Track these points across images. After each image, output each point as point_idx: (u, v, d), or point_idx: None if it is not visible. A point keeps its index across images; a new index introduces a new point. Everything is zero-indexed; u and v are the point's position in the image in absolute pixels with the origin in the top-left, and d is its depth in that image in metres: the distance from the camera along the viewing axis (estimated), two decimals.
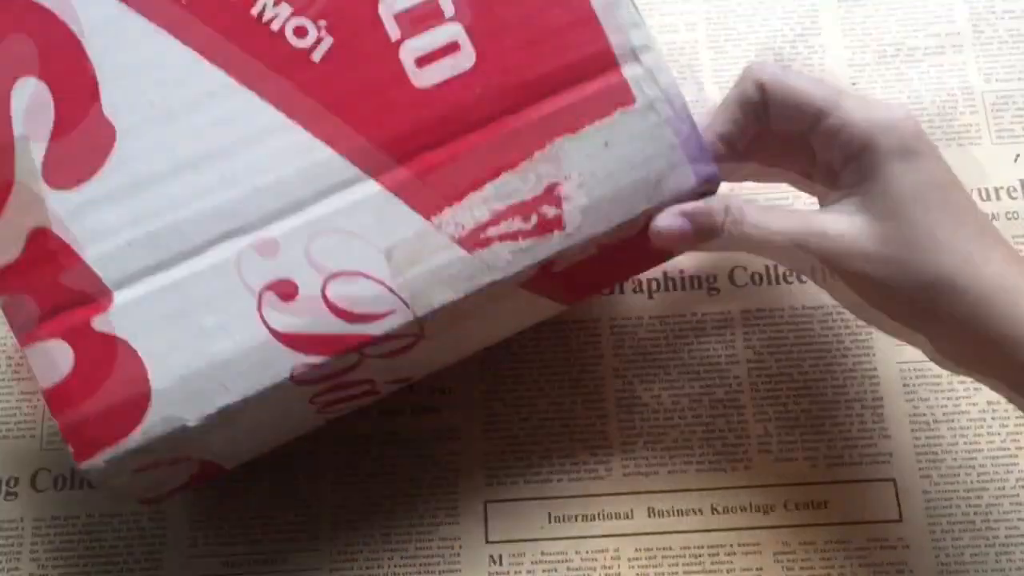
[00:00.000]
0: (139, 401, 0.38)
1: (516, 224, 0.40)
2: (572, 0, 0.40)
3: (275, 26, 0.39)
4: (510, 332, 0.47)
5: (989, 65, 0.56)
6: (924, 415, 0.50)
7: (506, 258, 0.40)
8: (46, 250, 0.39)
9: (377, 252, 0.39)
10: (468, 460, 0.50)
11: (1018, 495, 0.48)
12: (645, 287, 0.53)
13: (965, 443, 0.49)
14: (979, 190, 0.54)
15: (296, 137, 0.39)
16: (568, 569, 0.48)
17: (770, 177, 0.46)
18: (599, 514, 0.49)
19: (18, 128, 0.39)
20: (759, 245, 0.42)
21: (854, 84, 0.56)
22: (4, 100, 0.39)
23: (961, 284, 0.38)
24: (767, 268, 0.53)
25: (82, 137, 0.39)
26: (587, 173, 0.40)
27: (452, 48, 0.40)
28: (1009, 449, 0.49)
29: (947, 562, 0.47)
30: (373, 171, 0.39)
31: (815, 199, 0.45)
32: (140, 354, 0.38)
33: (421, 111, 0.40)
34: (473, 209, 0.39)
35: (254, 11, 0.40)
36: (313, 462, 0.50)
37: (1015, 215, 0.53)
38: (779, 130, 0.42)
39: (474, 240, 0.39)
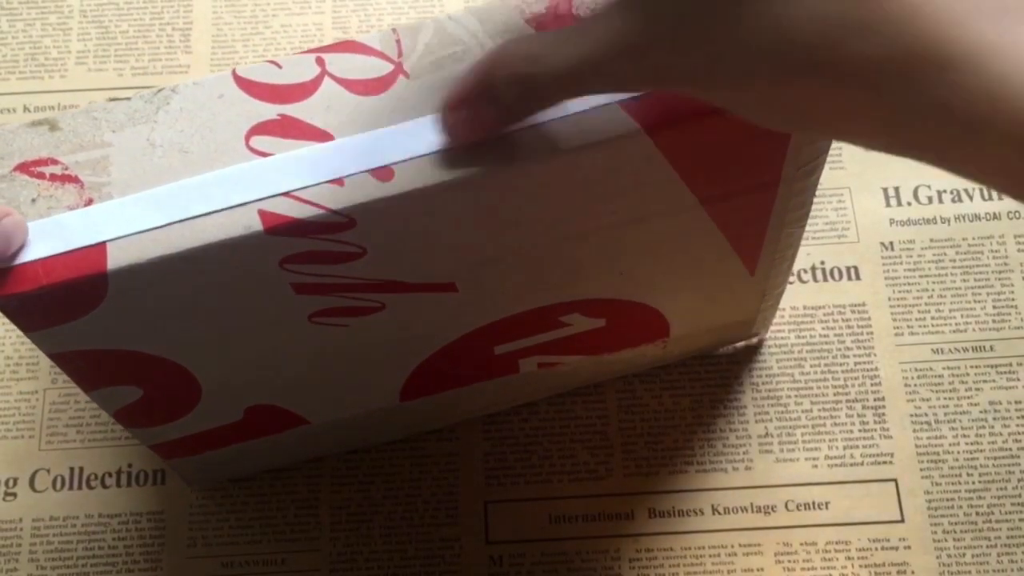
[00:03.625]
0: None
1: None
2: None
3: None
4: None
5: None
6: (926, 415, 0.50)
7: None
8: None
9: None
10: (468, 460, 0.50)
11: (1020, 495, 0.48)
12: None
13: (967, 443, 0.49)
14: (981, 189, 0.54)
15: None
16: (569, 570, 0.48)
17: None
18: (600, 514, 0.49)
19: None
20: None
21: None
22: None
23: None
24: None
25: None
26: None
27: None
28: (1011, 449, 0.49)
29: (949, 563, 0.47)
30: None
31: None
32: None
33: None
34: None
35: None
36: (313, 463, 0.50)
37: (1016, 214, 0.53)
38: None
39: None
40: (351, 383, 0.44)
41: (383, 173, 0.34)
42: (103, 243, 0.33)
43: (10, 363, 0.52)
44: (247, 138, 0.35)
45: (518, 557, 0.48)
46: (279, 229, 0.34)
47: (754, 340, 0.51)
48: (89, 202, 0.34)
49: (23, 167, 0.35)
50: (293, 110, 0.35)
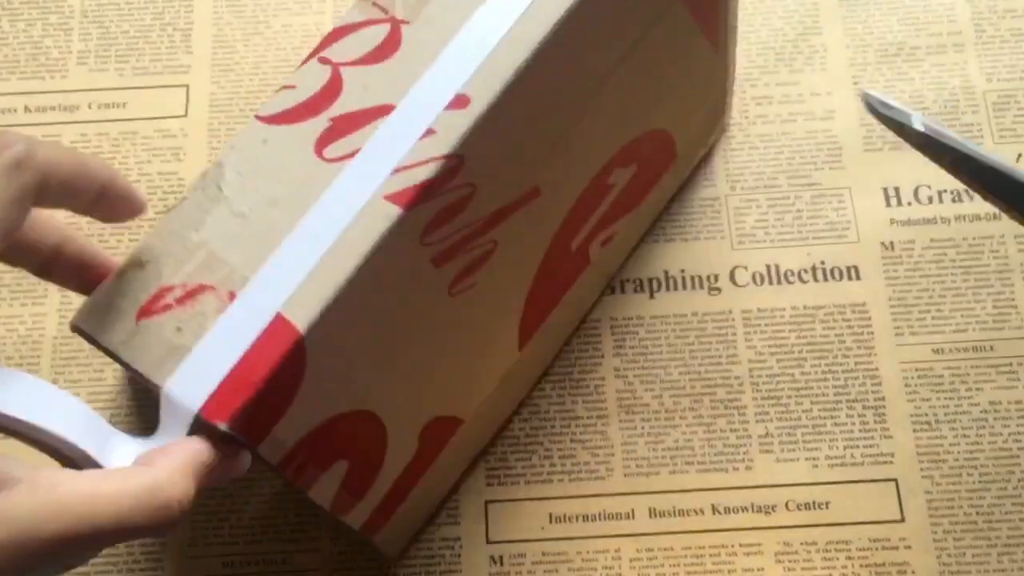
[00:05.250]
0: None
1: None
2: None
3: None
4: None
5: (991, 64, 0.56)
6: (926, 415, 0.50)
7: None
8: None
9: None
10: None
11: (1020, 495, 0.48)
12: (646, 287, 0.53)
13: (967, 443, 0.49)
14: None
15: None
16: (569, 570, 0.48)
17: None
18: (600, 514, 0.49)
19: None
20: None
21: (855, 83, 0.56)
22: None
23: None
24: (768, 268, 0.53)
25: None
26: None
27: None
28: (1011, 449, 0.49)
29: (949, 563, 0.47)
30: None
31: None
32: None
33: None
34: None
35: None
36: None
37: None
38: None
39: None
40: (485, 353, 0.44)
41: (459, 102, 0.35)
42: (279, 315, 0.33)
43: (10, 364, 0.51)
44: (319, 154, 0.35)
45: (518, 557, 0.48)
46: (415, 199, 0.34)
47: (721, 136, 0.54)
48: (231, 296, 0.33)
49: (144, 312, 0.33)
50: (337, 109, 0.35)
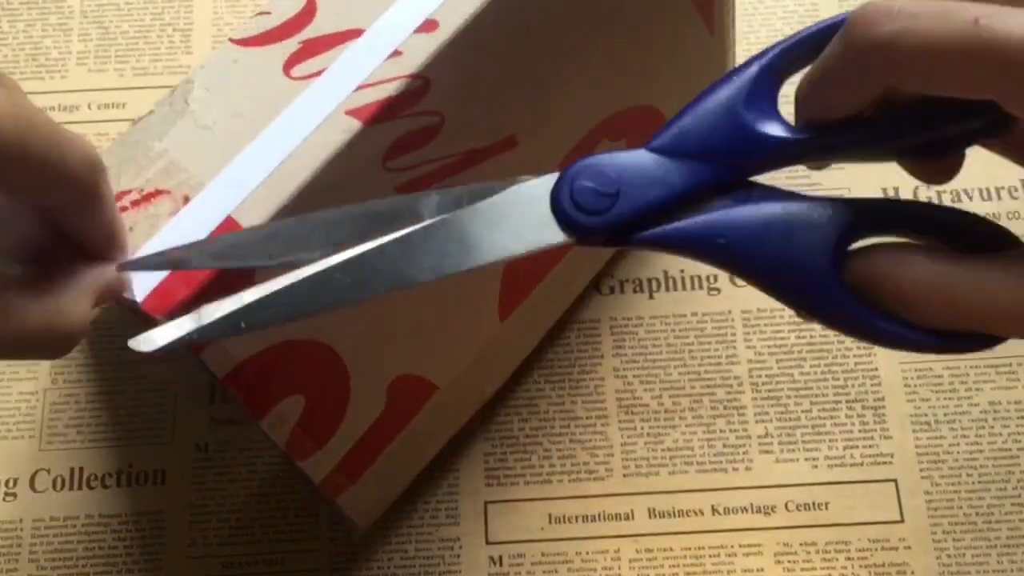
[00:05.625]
0: None
1: None
2: None
3: None
4: None
5: None
6: (925, 415, 0.50)
7: None
8: None
9: None
10: (468, 460, 0.50)
11: (1020, 496, 0.48)
12: (645, 287, 0.53)
13: (967, 444, 0.49)
14: (980, 190, 0.54)
15: None
16: (568, 570, 0.48)
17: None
18: (599, 515, 0.49)
19: None
20: None
21: None
22: None
23: None
24: None
25: None
26: None
27: None
28: (1011, 450, 0.49)
29: (948, 563, 0.47)
30: None
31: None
32: None
33: None
34: None
35: None
36: None
37: (1016, 214, 0.53)
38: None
39: None
40: (458, 315, 0.44)
41: (427, 26, 0.35)
42: (229, 217, 0.33)
43: (10, 363, 0.52)
44: (287, 73, 0.35)
45: (518, 557, 0.48)
46: (376, 116, 0.34)
47: None
48: (186, 200, 0.33)
49: None
50: (309, 32, 0.36)
